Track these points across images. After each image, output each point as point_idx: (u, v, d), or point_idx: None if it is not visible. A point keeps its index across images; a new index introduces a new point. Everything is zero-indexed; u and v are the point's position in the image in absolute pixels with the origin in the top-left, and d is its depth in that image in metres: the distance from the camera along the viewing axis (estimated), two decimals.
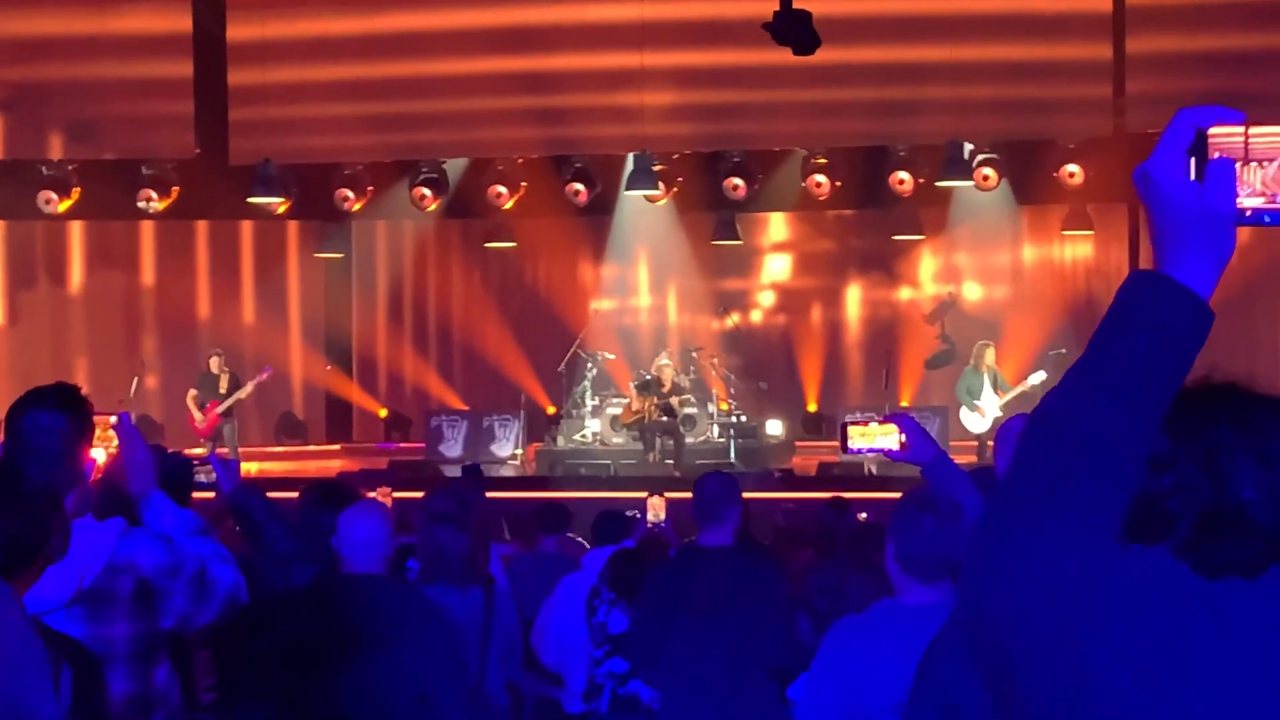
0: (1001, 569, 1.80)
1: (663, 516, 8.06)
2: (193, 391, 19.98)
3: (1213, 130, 1.84)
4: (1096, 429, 1.80)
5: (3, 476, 3.41)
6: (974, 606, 1.84)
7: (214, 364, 19.99)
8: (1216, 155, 1.83)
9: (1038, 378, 19.25)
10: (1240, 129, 1.83)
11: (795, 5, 16.36)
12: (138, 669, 4.14)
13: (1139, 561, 1.81)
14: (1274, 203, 1.83)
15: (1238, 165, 1.83)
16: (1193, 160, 1.83)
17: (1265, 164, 1.83)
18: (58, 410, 4.25)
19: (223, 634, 4.47)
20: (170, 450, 6.80)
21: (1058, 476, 1.80)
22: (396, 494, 16.32)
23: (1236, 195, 1.81)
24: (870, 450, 5.12)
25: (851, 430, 5.18)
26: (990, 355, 19.38)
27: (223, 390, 19.82)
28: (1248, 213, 1.83)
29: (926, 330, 21.99)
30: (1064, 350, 20.62)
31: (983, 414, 19.13)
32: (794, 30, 16.24)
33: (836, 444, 20.19)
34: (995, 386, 19.14)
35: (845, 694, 4.79)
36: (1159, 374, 1.81)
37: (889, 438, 5.01)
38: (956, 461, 16.20)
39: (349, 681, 5.10)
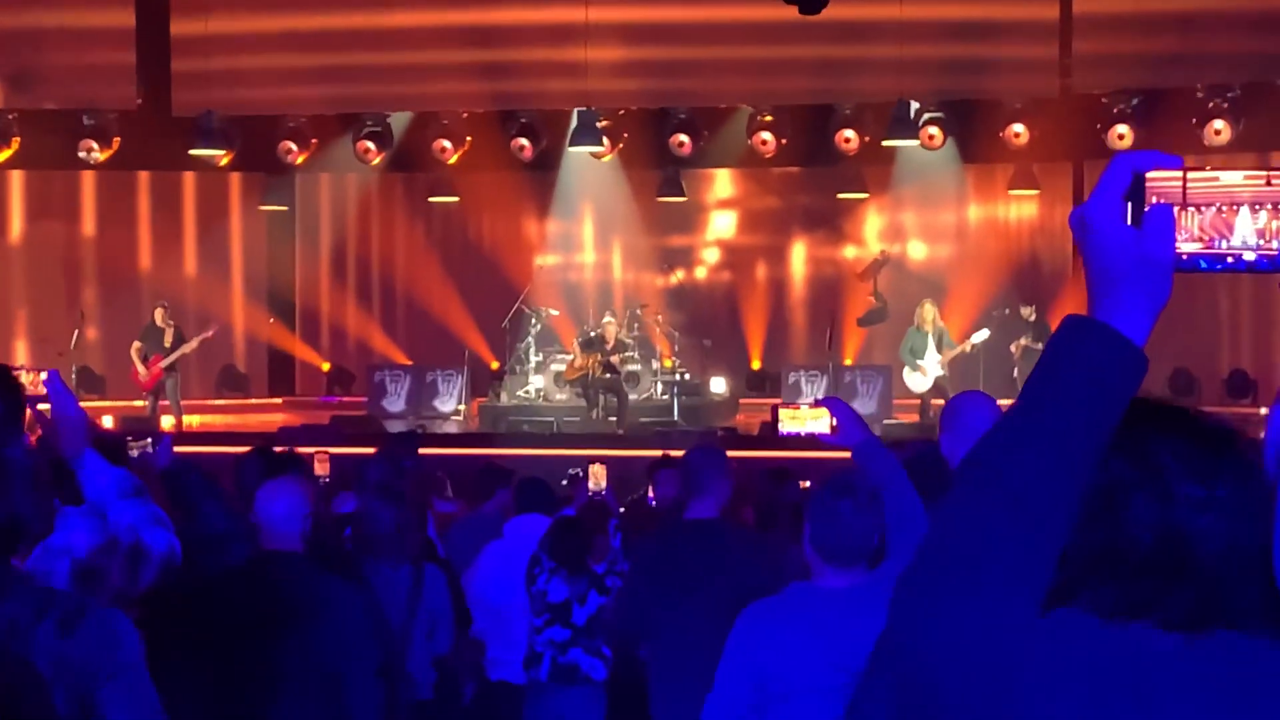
0: (929, 634, 1.76)
1: (604, 484, 8.04)
2: (137, 344, 19.79)
3: (1150, 174, 1.82)
4: (1028, 480, 1.76)
5: None
6: (900, 660, 1.81)
7: (159, 316, 19.80)
8: (1154, 199, 1.81)
9: (980, 336, 19.34)
10: (1178, 174, 1.82)
11: None
12: None
13: (1067, 627, 1.77)
14: (1211, 248, 1.82)
15: (1174, 210, 1.81)
16: (1130, 205, 1.81)
17: (1203, 209, 1.82)
18: None
19: (154, 614, 4.42)
20: (104, 428, 6.72)
21: (987, 531, 1.76)
22: (340, 450, 16.30)
23: (1174, 241, 1.80)
24: (802, 433, 5.12)
25: (782, 413, 5.20)
26: (930, 313, 19.38)
27: (167, 344, 19.65)
28: (1184, 257, 1.81)
29: (866, 288, 22.02)
30: (1007, 310, 20.71)
31: (924, 373, 19.20)
32: None
33: (780, 401, 20.34)
34: (939, 345, 19.19)
35: (755, 676, 4.79)
36: (1092, 423, 1.78)
37: (819, 421, 5.01)
38: (901, 420, 16.21)
39: (263, 659, 5.09)
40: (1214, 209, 1.81)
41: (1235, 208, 1.80)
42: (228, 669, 5.10)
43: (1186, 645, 1.75)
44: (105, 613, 3.49)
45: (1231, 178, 1.82)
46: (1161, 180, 1.82)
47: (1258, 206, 1.80)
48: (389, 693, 5.58)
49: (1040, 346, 19.43)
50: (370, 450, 10.66)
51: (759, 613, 4.90)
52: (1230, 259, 1.81)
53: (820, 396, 20.22)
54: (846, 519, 4.72)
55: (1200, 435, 1.88)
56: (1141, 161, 1.83)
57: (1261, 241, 1.80)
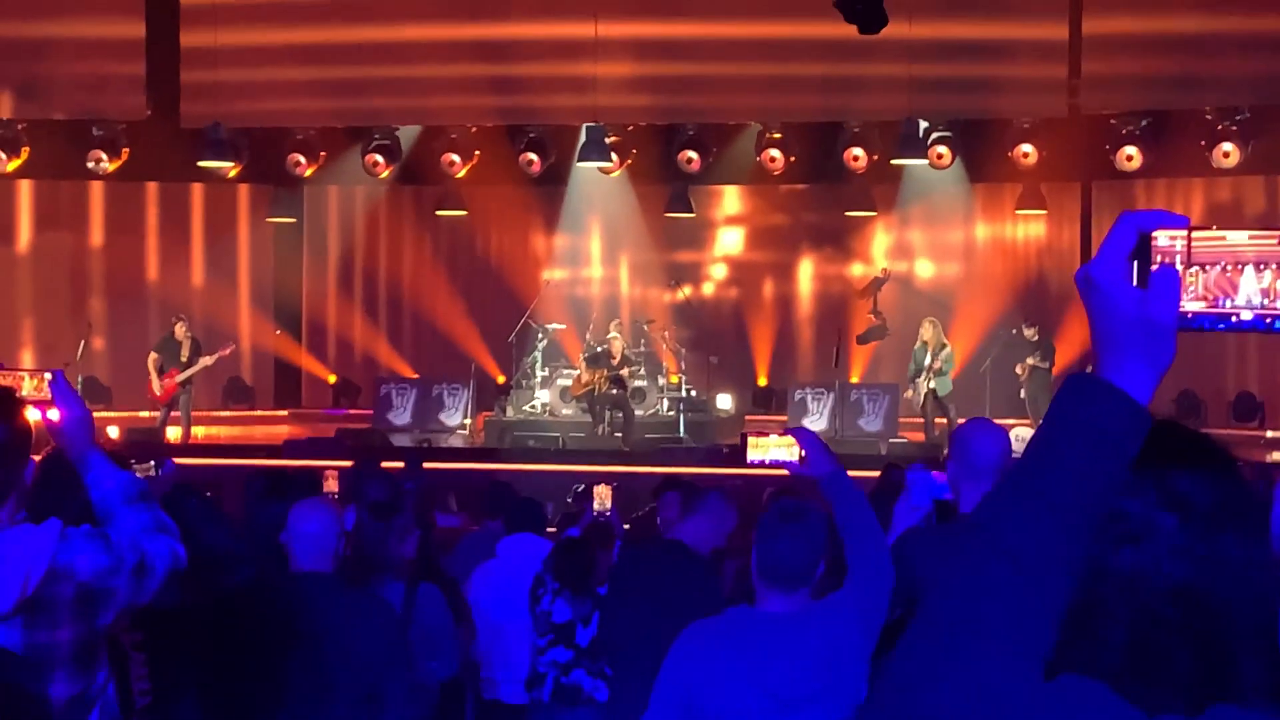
0: (931, 699, 1.76)
1: (609, 505, 8.03)
2: (154, 355, 19.80)
3: (1156, 234, 1.82)
4: (1028, 539, 1.75)
5: None
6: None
7: (179, 330, 19.82)
8: (1160, 260, 1.80)
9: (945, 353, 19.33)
10: (1183, 233, 1.81)
11: None
12: (79, 670, 4.08)
13: (1071, 693, 1.76)
14: (1216, 307, 1.81)
15: (1179, 269, 1.81)
16: (1135, 265, 1.81)
17: (1208, 268, 1.81)
18: None
19: (158, 636, 4.41)
20: (109, 439, 6.72)
21: (989, 595, 1.76)
22: (345, 462, 16.30)
23: (1178, 304, 1.79)
24: (769, 462, 5.12)
25: (750, 442, 5.19)
26: (928, 331, 19.41)
27: (184, 358, 19.65)
28: (1189, 316, 1.81)
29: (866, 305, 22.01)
30: (1015, 330, 20.70)
31: (914, 389, 19.30)
32: (864, 6, 16.09)
33: (786, 419, 20.33)
34: (933, 363, 19.20)
35: (685, 698, 4.76)
36: (1092, 483, 1.77)
37: (787, 450, 5.01)
38: (907, 439, 16.18)
39: (291, 680, 5.08)
40: (1219, 268, 1.81)
41: (1240, 267, 1.80)
42: (252, 689, 5.09)
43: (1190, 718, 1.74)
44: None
45: (1237, 237, 1.82)
46: (1167, 240, 1.81)
47: (1263, 266, 1.79)
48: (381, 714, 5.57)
49: (1047, 365, 19.46)
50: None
51: (693, 634, 4.88)
52: (1234, 318, 1.80)
53: (822, 419, 20.31)
54: (788, 543, 4.70)
55: (1207, 485, 1.86)
56: (1147, 221, 1.82)
57: (1266, 301, 1.79)
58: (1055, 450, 1.79)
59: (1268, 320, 1.79)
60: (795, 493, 7.72)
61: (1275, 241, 1.80)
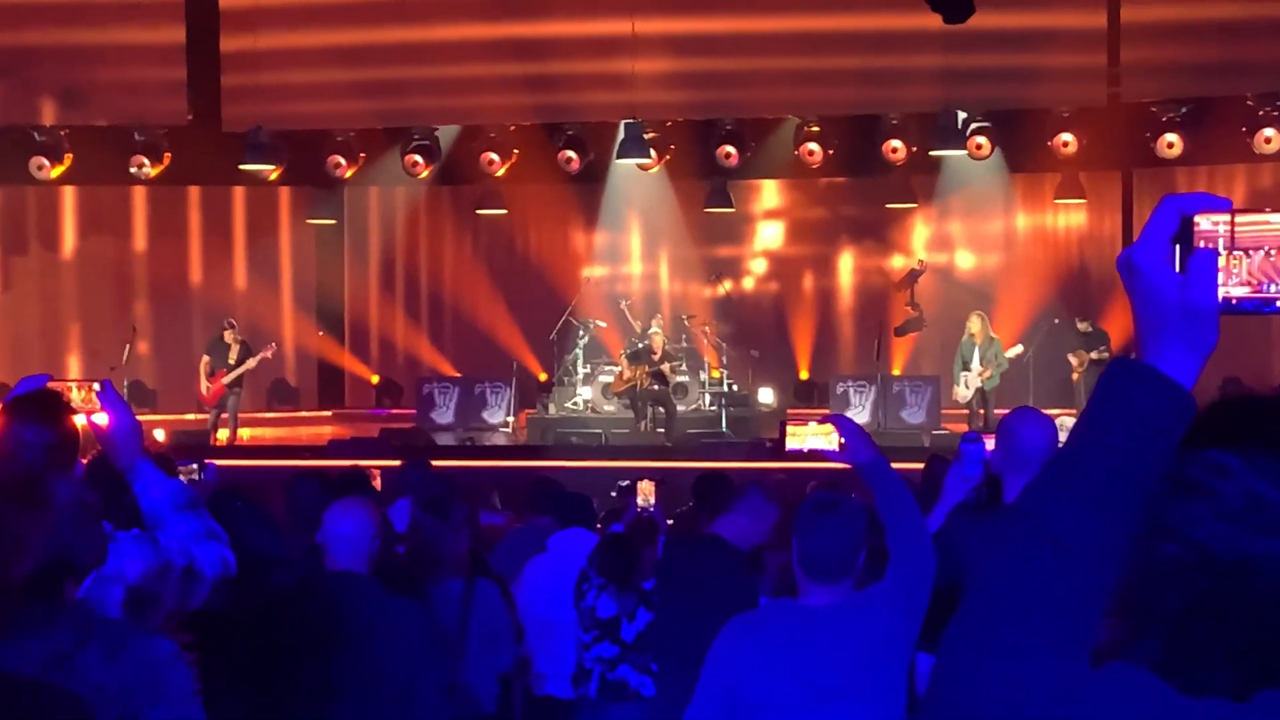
0: (980, 689, 1.75)
1: (653, 500, 8.03)
2: (206, 358, 19.98)
3: (1198, 218, 1.80)
4: (1071, 526, 1.74)
5: (32, 486, 3.39)
6: (943, 710, 1.80)
7: (228, 335, 19.96)
8: (1201, 244, 1.79)
9: (1014, 351, 19.31)
10: (1226, 216, 1.80)
11: None
12: None
13: (1119, 682, 1.74)
14: (1260, 292, 1.79)
15: (1223, 255, 1.79)
16: (1178, 248, 1.79)
17: (1251, 252, 1.79)
18: (42, 424, 4.22)
19: (208, 638, 4.45)
20: (156, 443, 6.78)
21: (1035, 582, 1.76)
22: (391, 462, 16.36)
23: (1217, 288, 1.78)
24: (808, 451, 5.10)
25: (789, 431, 5.18)
26: (977, 324, 19.31)
27: (232, 360, 19.79)
28: (1234, 301, 1.79)
29: (903, 297, 21.97)
30: (1056, 319, 20.63)
31: (966, 385, 19.18)
32: None
33: (828, 412, 20.29)
34: (983, 357, 19.12)
35: (728, 691, 4.77)
36: (1137, 468, 1.76)
37: (826, 439, 4.99)
38: (950, 430, 16.11)
39: (329, 680, 5.11)
40: (1263, 252, 1.80)
41: None
42: (293, 689, 5.13)
43: (1239, 707, 1.73)
44: (148, 640, 3.52)
45: None
46: (1209, 223, 1.80)
47: None
48: (454, 708, 5.61)
49: (1106, 356, 19.36)
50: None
51: (736, 628, 4.88)
52: (1277, 303, 1.79)
53: (865, 411, 20.28)
54: (827, 535, 4.70)
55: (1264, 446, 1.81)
56: (1189, 204, 1.81)
57: None
58: (1099, 436, 1.79)
59: None
60: (839, 485, 7.74)
61: None
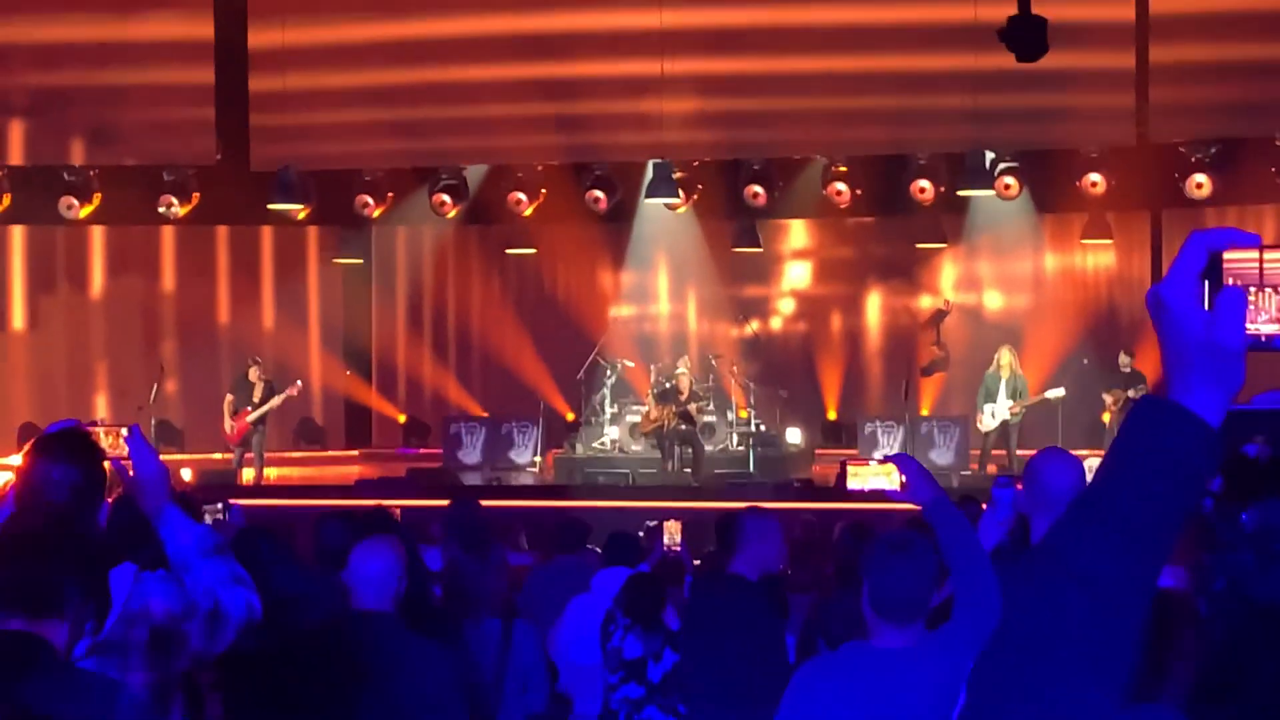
0: (1000, 718, 1.73)
1: (679, 540, 8.00)
2: (229, 397, 19.99)
3: (1227, 255, 1.77)
4: (1099, 563, 1.73)
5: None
6: None
7: (252, 373, 19.98)
8: (1230, 281, 1.76)
9: (1056, 393, 19.30)
10: (1255, 253, 1.77)
11: (1027, 12, 16.29)
12: (153, 714, 4.09)
13: None
14: None
15: (1250, 291, 1.76)
16: (1206, 284, 1.77)
17: None
18: (69, 463, 4.21)
19: (233, 676, 4.42)
20: (183, 482, 6.77)
21: (1058, 615, 1.73)
22: (415, 502, 16.34)
23: (1244, 326, 1.75)
24: (870, 489, 5.07)
25: (851, 469, 5.18)
26: (1007, 358, 19.38)
27: (256, 398, 19.81)
28: (1262, 338, 1.77)
29: (944, 338, 21.94)
30: (1085, 360, 20.57)
31: (993, 416, 19.18)
32: (1026, 35, 16.07)
33: (856, 452, 20.26)
34: (1013, 393, 19.14)
35: None
36: (1165, 505, 1.74)
37: (888, 478, 4.95)
38: (976, 471, 16.01)
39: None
40: None
41: None
42: None
43: None
44: (134, 697, 3.50)
45: None
46: (1238, 260, 1.77)
47: None
48: None
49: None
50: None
51: (811, 670, 4.85)
52: None
53: (892, 451, 20.21)
54: (900, 574, 4.66)
55: None
56: (1217, 240, 1.78)
57: None
58: (1126, 473, 1.77)
59: None
60: (866, 526, 7.70)
61: None
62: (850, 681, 4.70)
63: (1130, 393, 19.35)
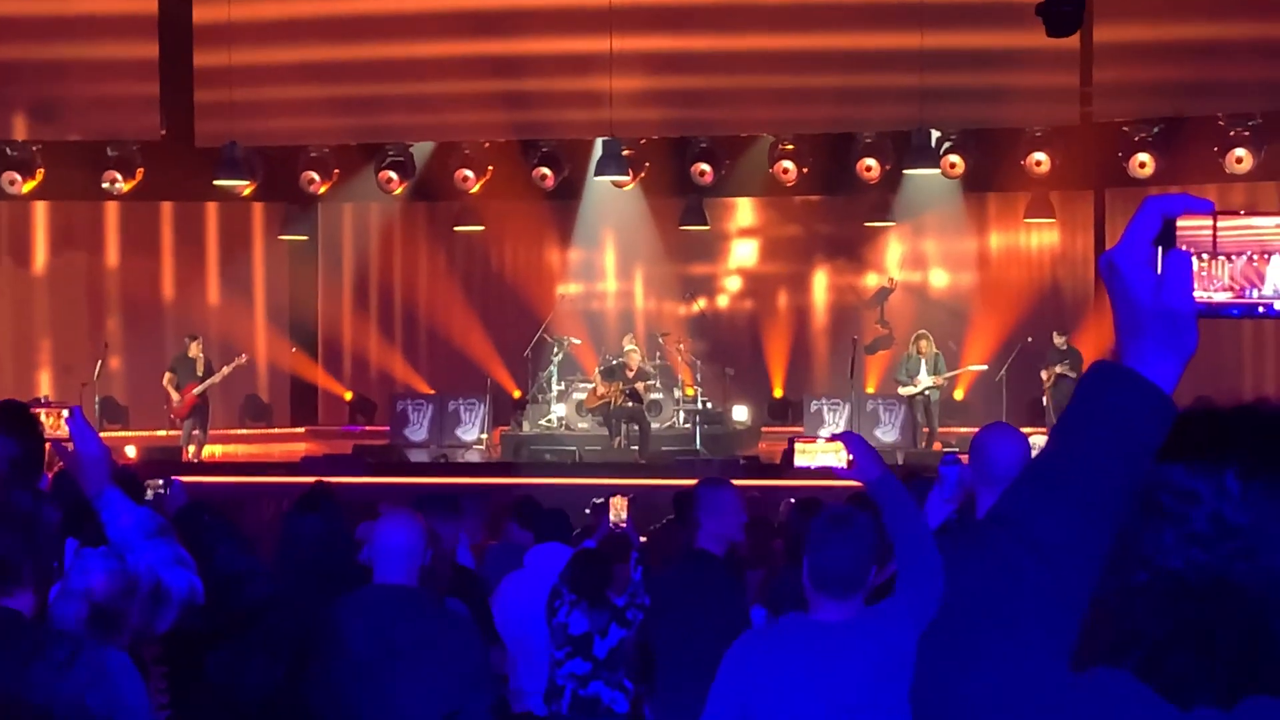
0: (958, 692, 1.73)
1: (625, 516, 8.00)
2: (169, 374, 19.87)
3: (1181, 221, 1.79)
4: (1055, 532, 1.73)
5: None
6: (924, 718, 1.78)
7: (193, 348, 19.88)
8: (1184, 247, 1.77)
9: (976, 367, 19.89)
10: (1208, 220, 1.78)
11: None
12: (137, 676, 4.09)
13: (1100, 686, 1.72)
14: (1242, 297, 1.78)
15: (1204, 259, 1.77)
16: (1160, 250, 1.78)
17: (1234, 257, 1.78)
18: (7, 435, 4.18)
19: (176, 649, 4.40)
20: (126, 459, 6.71)
21: (1010, 582, 1.73)
22: (364, 479, 16.33)
23: (1193, 290, 1.76)
24: (817, 467, 5.10)
25: (798, 447, 5.18)
26: (926, 345, 20.05)
27: (199, 373, 19.72)
28: (1216, 305, 1.77)
29: (890, 316, 22.06)
30: (1030, 338, 20.70)
31: (916, 383, 19.87)
32: (1063, 10, 15.88)
33: (802, 429, 20.33)
34: (934, 368, 19.66)
35: (741, 707, 4.76)
36: (1118, 471, 1.74)
37: (835, 456, 4.99)
38: (923, 449, 16.09)
39: (373, 697, 5.03)
40: (1245, 257, 1.78)
41: (1266, 256, 1.77)
42: (342, 703, 5.06)
43: (1224, 714, 1.71)
44: (102, 653, 3.49)
45: (1264, 223, 1.78)
46: (1192, 227, 1.79)
47: None
48: None
49: (1074, 375, 19.51)
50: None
51: (748, 643, 4.88)
52: (1261, 308, 1.78)
53: (838, 428, 20.34)
54: (839, 550, 4.69)
55: (1246, 455, 1.80)
56: (1171, 206, 1.80)
57: None
58: (1078, 439, 1.77)
59: None
60: (816, 503, 7.73)
61: None
62: (786, 653, 4.73)
63: (1058, 367, 19.57)
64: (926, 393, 19.78)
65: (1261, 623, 1.74)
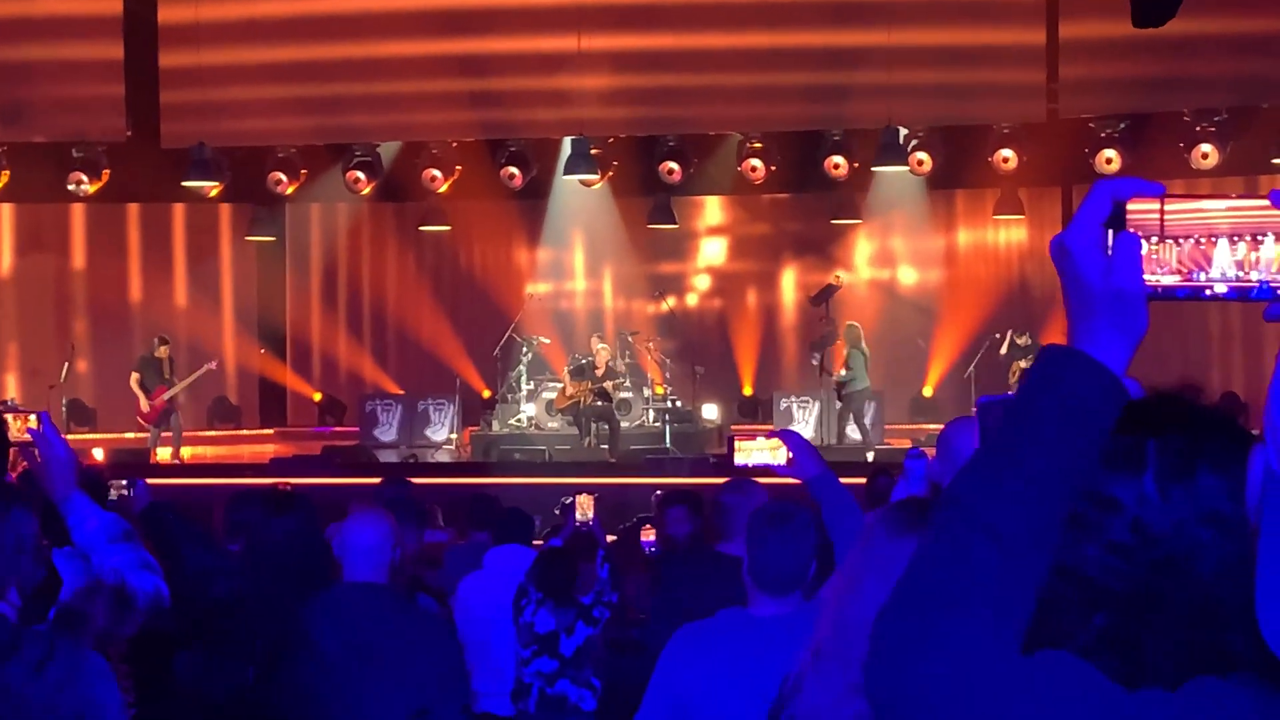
0: (910, 676, 1.73)
1: (590, 515, 7.99)
2: (135, 375, 19.77)
3: (1130, 205, 1.79)
4: (1006, 515, 1.72)
5: None
6: (879, 703, 1.78)
7: (161, 351, 19.81)
8: (1134, 230, 1.78)
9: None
10: (1156, 204, 1.79)
11: None
12: (112, 676, 4.07)
13: (1050, 668, 1.73)
14: (1190, 280, 1.79)
15: (1152, 241, 1.78)
16: (1110, 233, 1.79)
17: (1181, 240, 1.79)
18: None
19: (142, 650, 4.38)
20: (87, 463, 6.68)
21: (962, 565, 1.73)
22: (334, 480, 16.27)
23: (1141, 271, 1.77)
24: (756, 465, 5.11)
25: (737, 446, 5.19)
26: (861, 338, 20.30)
27: (166, 375, 19.65)
28: (1161, 289, 1.78)
29: (859, 314, 22.06)
30: (997, 334, 20.75)
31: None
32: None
33: (773, 427, 20.36)
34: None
35: (676, 699, 4.75)
36: (1069, 453, 1.74)
37: (774, 453, 5.00)
38: (892, 445, 16.22)
39: (344, 695, 5.00)
40: (1192, 241, 1.79)
41: (1214, 240, 1.78)
42: (313, 701, 5.03)
43: (1169, 695, 1.72)
44: (76, 654, 3.48)
45: (1212, 206, 1.79)
46: (1141, 211, 1.79)
47: (1236, 239, 1.77)
48: None
49: None
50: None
51: (685, 637, 4.87)
52: (1207, 291, 1.79)
53: (807, 425, 20.39)
54: (778, 546, 4.69)
55: (1194, 444, 1.82)
56: (1122, 189, 1.80)
57: (1240, 273, 1.77)
58: (1030, 421, 1.77)
59: (1241, 291, 1.77)
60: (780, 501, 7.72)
61: (1253, 211, 1.78)
62: (722, 646, 4.71)
63: (1022, 363, 19.66)
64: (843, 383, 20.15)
65: (1189, 635, 1.76)
